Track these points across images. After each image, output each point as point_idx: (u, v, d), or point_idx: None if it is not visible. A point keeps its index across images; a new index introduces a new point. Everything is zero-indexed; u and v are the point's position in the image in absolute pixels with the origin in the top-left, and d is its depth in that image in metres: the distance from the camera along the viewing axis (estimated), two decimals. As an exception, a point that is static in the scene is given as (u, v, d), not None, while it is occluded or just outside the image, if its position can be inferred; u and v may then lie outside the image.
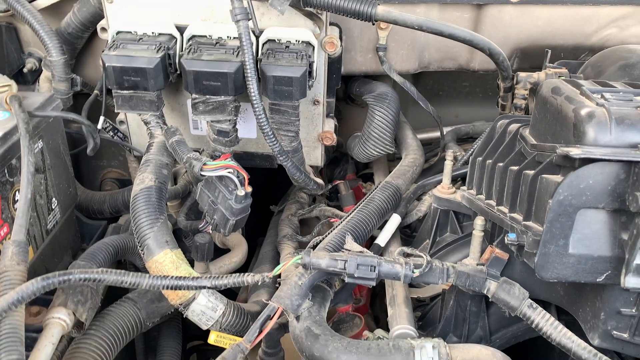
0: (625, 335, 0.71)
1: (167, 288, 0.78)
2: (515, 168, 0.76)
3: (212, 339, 0.90)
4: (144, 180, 0.93)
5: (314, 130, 1.17)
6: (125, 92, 0.98)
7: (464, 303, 0.85)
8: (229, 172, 0.92)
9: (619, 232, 0.64)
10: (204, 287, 0.79)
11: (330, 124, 1.18)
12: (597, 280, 0.65)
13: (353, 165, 1.51)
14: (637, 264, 0.62)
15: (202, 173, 0.91)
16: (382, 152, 1.21)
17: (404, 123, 1.33)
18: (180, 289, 0.78)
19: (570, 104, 0.68)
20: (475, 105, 1.53)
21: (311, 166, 1.22)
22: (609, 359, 0.69)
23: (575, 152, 0.61)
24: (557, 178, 0.64)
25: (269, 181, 1.46)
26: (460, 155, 1.22)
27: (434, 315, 0.95)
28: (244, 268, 1.21)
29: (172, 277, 0.79)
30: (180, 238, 1.16)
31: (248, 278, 0.78)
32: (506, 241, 0.71)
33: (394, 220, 1.07)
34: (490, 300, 0.78)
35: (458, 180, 1.13)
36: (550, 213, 0.63)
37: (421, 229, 1.12)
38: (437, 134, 1.36)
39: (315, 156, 1.20)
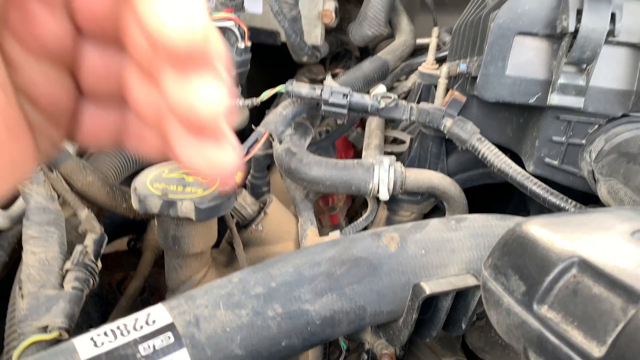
0: (556, 162, 0.82)
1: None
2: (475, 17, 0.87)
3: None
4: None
5: (315, 8, 1.27)
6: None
7: (426, 144, 0.97)
8: (232, 25, 1.04)
9: (551, 59, 0.74)
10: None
11: (331, 4, 1.28)
12: (529, 101, 0.76)
13: (355, 62, 1.61)
14: (560, 83, 0.73)
15: (208, 23, 1.03)
16: (376, 32, 1.31)
17: (401, 11, 1.42)
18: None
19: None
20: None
21: (312, 46, 1.33)
22: (538, 181, 0.80)
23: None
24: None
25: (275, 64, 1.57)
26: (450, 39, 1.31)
27: (402, 161, 1.07)
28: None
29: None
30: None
31: (239, 102, 0.91)
32: (457, 70, 0.82)
33: (380, 89, 1.18)
34: (446, 137, 0.90)
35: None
36: (490, 36, 0.73)
37: (405, 104, 1.23)
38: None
39: (315, 35, 1.31)
